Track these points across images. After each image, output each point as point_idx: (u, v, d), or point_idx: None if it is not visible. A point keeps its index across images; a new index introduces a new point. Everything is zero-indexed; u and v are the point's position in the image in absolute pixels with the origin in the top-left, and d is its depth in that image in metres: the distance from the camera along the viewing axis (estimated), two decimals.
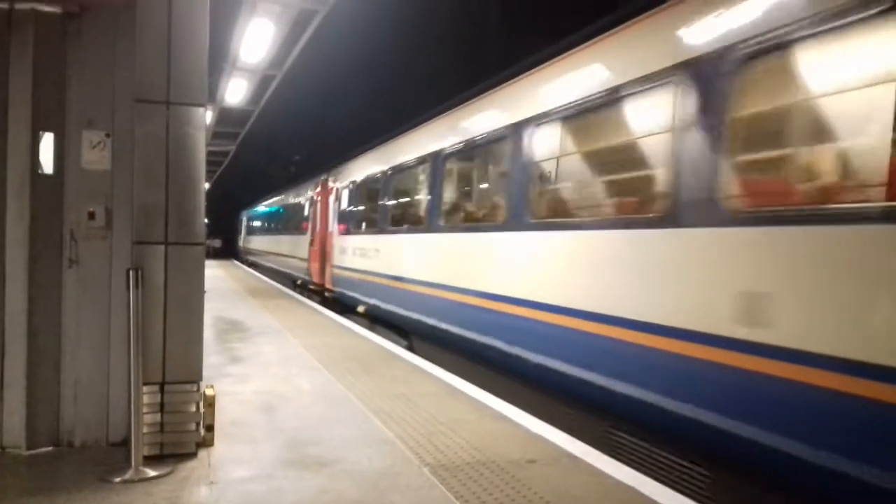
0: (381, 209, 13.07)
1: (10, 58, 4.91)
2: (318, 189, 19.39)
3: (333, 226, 17.08)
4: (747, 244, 4.47)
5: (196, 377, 4.91)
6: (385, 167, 12.94)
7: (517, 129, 7.56)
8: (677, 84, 5.11)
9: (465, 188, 10.15)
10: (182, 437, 4.85)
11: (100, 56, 5.08)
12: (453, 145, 9.64)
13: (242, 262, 41.63)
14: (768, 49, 4.41)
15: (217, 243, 51.83)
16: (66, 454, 4.91)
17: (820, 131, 4.37)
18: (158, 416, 4.76)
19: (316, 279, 18.60)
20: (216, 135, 22.58)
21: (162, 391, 4.78)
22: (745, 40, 4.55)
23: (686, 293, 4.97)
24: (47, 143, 5.00)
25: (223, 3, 9.48)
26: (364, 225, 14.55)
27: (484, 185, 9.54)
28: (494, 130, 8.28)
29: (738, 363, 4.40)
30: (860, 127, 4.11)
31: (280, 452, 5.03)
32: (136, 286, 4.57)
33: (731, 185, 4.65)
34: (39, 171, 4.99)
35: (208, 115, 16.99)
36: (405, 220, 11.84)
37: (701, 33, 4.98)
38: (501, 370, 7.79)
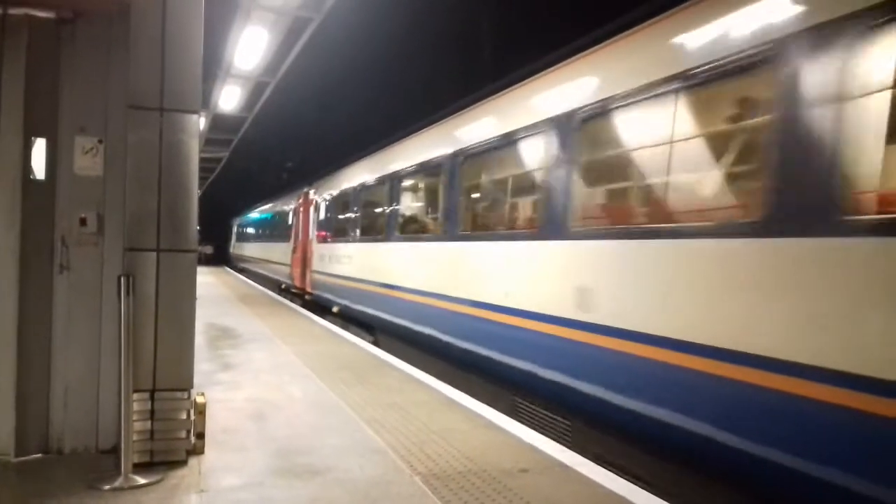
0: (352, 221, 14.78)
1: (3, 63, 4.91)
2: (301, 200, 20.94)
3: (313, 234, 18.74)
4: (580, 252, 6.19)
5: (187, 384, 4.89)
6: (355, 184, 14.66)
7: (444, 160, 9.52)
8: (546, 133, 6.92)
9: (414, 205, 11.79)
10: (172, 445, 4.82)
11: (93, 62, 5.07)
12: (404, 169, 11.54)
13: (233, 268, 41.99)
14: (594, 114, 6.17)
15: (209, 250, 51.75)
16: (55, 461, 4.88)
17: (616, 175, 6.28)
18: (148, 424, 4.74)
19: (298, 283, 20.20)
20: (209, 141, 22.58)
21: (152, 398, 4.76)
22: (580, 107, 6.36)
23: (544, 287, 6.73)
24: (39, 148, 4.99)
25: (218, 9, 9.48)
26: (339, 234, 16.09)
27: (423, 204, 11.36)
28: (430, 160, 10.23)
29: (575, 337, 6.12)
30: (636, 173, 5.91)
31: (271, 461, 5.01)
32: (128, 293, 4.56)
33: (573, 211, 6.39)
34: (31, 177, 4.98)
35: (201, 122, 17.03)
36: (371, 231, 13.43)
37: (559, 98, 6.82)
38: (439, 356, 9.39)
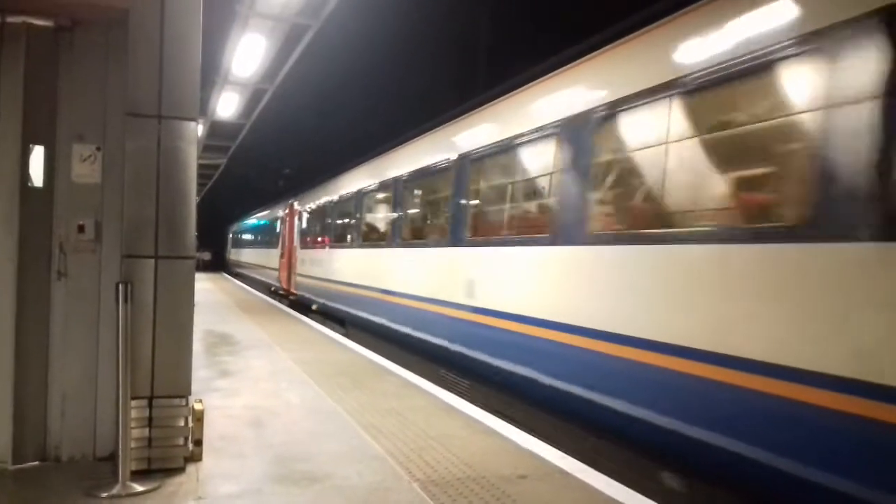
0: (327, 229, 17.71)
1: (2, 70, 4.91)
2: (287, 211, 23.53)
3: (297, 241, 21.34)
4: (470, 256, 8.72)
5: (185, 391, 4.88)
6: (330, 198, 17.31)
7: (389, 183, 11.89)
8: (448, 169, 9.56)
9: (374, 217, 13.80)
10: (170, 452, 4.81)
11: (91, 70, 5.08)
12: (368, 187, 13.89)
13: (231, 274, 42.50)
14: (482, 156, 8.66)
15: (207, 256, 51.71)
16: (52, 469, 4.87)
17: (489, 201, 8.68)
18: (146, 431, 4.73)
19: (284, 285, 22.81)
20: (207, 148, 22.58)
21: (150, 405, 4.75)
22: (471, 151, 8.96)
23: (447, 280, 9.22)
24: (37, 156, 5.00)
25: (216, 17, 9.49)
26: (317, 242, 18.83)
27: (382, 216, 13.27)
28: (386, 180, 12.62)
29: (464, 317, 8.60)
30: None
31: (269, 468, 5.00)
32: (125, 300, 4.55)
33: (467, 225, 8.87)
34: (29, 184, 4.98)
35: (199, 129, 17.03)
36: (342, 239, 16.05)
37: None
38: (396, 343, 11.40)
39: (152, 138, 4.82)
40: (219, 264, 50.69)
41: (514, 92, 8.21)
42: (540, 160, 7.27)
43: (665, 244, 5.23)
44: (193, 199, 5.00)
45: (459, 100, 10.38)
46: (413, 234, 11.40)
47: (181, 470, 4.80)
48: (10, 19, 4.91)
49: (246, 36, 10.88)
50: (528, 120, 7.51)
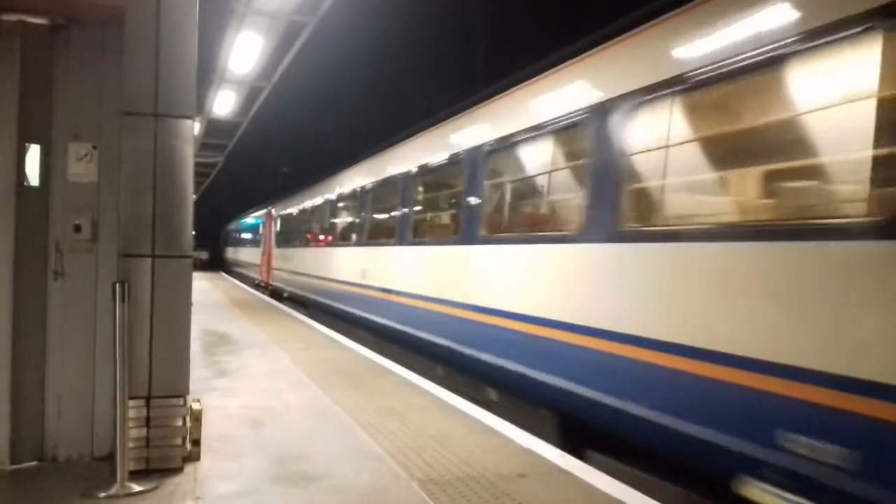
0: (292, 232, 22.71)
1: None
2: (266, 216, 28.53)
3: (273, 242, 26.20)
4: (365, 253, 13.44)
5: (182, 391, 4.86)
6: (293, 208, 22.46)
7: (363, 190, 14.00)
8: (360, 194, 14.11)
9: (329, 224, 17.55)
10: (168, 452, 4.79)
11: (87, 68, 5.05)
12: (315, 203, 18.91)
13: (227, 272, 43.62)
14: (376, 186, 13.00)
15: (204, 255, 51.65)
16: (50, 469, 4.85)
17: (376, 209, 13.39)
18: (144, 431, 4.71)
19: (263, 278, 27.95)
20: (204, 146, 22.56)
21: (148, 405, 4.73)
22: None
23: (355, 269, 13.41)
24: (33, 155, 4.97)
25: (212, 14, 9.47)
26: (287, 242, 23.45)
27: (323, 224, 18.16)
28: (322, 201, 17.90)
29: (362, 293, 12.84)
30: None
31: (267, 468, 4.98)
32: (123, 299, 4.53)
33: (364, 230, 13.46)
34: (25, 184, 4.96)
35: (196, 127, 17.03)
36: (302, 241, 20.63)
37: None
38: (343, 320, 14.63)
39: (149, 137, 4.79)
40: (217, 263, 50.67)
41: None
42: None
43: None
44: (190, 197, 4.97)
45: (452, 100, 10.32)
46: (340, 237, 16.25)
47: (179, 470, 4.78)
48: (6, 17, 4.88)
49: (242, 33, 10.87)
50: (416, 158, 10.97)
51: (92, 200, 5.05)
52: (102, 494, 4.31)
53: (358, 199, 14.11)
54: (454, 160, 9.13)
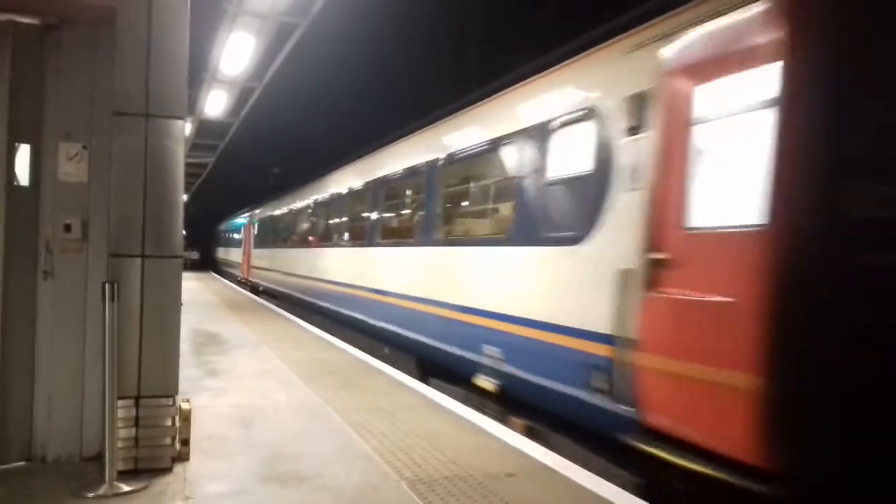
0: (265, 236, 27.30)
1: None
2: (248, 220, 33.00)
3: (252, 243, 30.52)
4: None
5: (172, 391, 4.87)
6: (267, 214, 27.04)
7: (315, 203, 17.99)
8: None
9: (283, 230, 23.00)
10: (157, 452, 4.79)
11: (79, 68, 5.05)
12: (280, 212, 23.61)
13: (218, 272, 44.46)
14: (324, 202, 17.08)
15: (195, 255, 51.57)
16: (38, 469, 4.85)
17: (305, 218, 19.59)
18: (133, 431, 4.71)
19: (244, 275, 32.06)
20: (195, 146, 22.52)
21: (137, 405, 4.73)
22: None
23: (304, 265, 18.28)
24: (23, 154, 4.97)
25: (204, 15, 9.47)
26: (260, 244, 28.24)
27: (285, 229, 22.78)
28: (284, 211, 22.68)
29: (308, 284, 17.60)
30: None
31: (256, 467, 4.99)
32: (112, 299, 4.53)
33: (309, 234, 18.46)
34: (15, 183, 4.95)
35: (187, 127, 17.06)
36: (274, 242, 24.76)
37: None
38: (299, 306, 18.42)
39: (139, 137, 4.80)
40: (207, 263, 50.56)
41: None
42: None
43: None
44: (181, 198, 4.98)
45: (440, 103, 10.36)
46: (297, 239, 20.36)
47: (168, 470, 4.79)
48: None
49: (234, 34, 10.86)
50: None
51: (82, 200, 5.05)
52: (91, 494, 4.31)
53: (302, 214, 19.80)
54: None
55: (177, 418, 4.90)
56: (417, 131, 10.90)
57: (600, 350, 5.47)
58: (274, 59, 12.23)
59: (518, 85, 7.71)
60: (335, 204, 15.52)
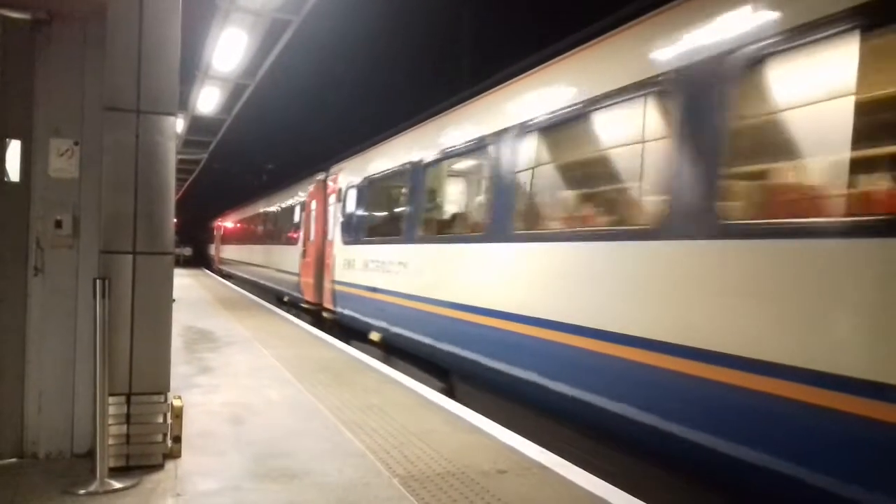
0: (231, 236, 34.70)
1: None
2: (218, 222, 42.28)
3: (219, 240, 39.93)
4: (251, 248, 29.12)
5: (163, 388, 4.86)
6: (230, 220, 35.57)
7: (261, 216, 25.72)
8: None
9: (239, 230, 31.97)
10: (148, 449, 4.79)
11: (69, 63, 5.02)
12: (236, 219, 34.67)
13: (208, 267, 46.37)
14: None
15: (187, 252, 51.62)
16: (29, 466, 4.83)
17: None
18: (125, 428, 4.70)
19: (217, 264, 40.04)
20: (187, 143, 22.42)
21: (128, 402, 4.72)
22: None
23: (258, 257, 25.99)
24: (14, 150, 4.94)
25: (196, 11, 9.42)
26: (228, 241, 36.11)
27: (241, 231, 32.18)
28: (244, 217, 31.82)
29: (253, 269, 26.85)
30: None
31: (248, 465, 4.99)
32: (103, 296, 4.52)
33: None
34: (5, 179, 4.92)
35: (179, 124, 17.02)
36: (237, 241, 32.12)
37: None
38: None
39: (130, 133, 4.77)
40: (200, 260, 50.55)
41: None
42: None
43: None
44: (172, 194, 4.96)
45: (442, 96, 10.32)
46: (256, 239, 25.78)
47: (160, 467, 4.78)
48: None
49: (227, 30, 10.80)
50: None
51: (73, 196, 5.02)
52: (82, 491, 4.30)
53: (250, 222, 26.82)
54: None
55: (168, 415, 4.89)
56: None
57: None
58: (267, 55, 12.17)
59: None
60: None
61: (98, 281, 4.54)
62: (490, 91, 8.16)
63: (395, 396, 7.40)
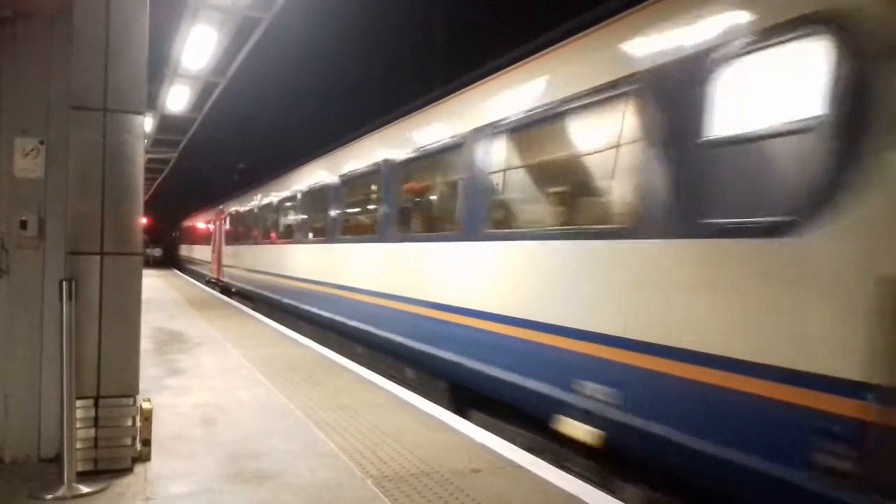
0: (183, 238, 45.59)
1: None
2: (179, 227, 48.16)
3: (181, 242, 46.75)
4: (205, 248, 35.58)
5: (132, 391, 4.79)
6: (188, 224, 42.22)
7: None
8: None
9: (192, 235, 39.67)
10: (117, 453, 4.72)
11: (34, 62, 4.94)
12: (189, 225, 42.83)
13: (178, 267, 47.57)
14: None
15: (157, 252, 51.39)
16: None
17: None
18: (93, 431, 4.63)
19: (182, 262, 44.86)
20: (157, 142, 22.19)
21: (96, 405, 4.65)
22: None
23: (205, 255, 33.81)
24: None
25: (164, 8, 9.32)
26: (183, 241, 45.25)
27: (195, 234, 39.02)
28: (197, 225, 38.31)
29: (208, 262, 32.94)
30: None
31: (220, 467, 4.94)
32: (70, 297, 4.45)
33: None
34: None
35: (148, 123, 16.81)
36: (189, 241, 41.44)
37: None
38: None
39: (97, 132, 4.70)
40: (170, 261, 50.25)
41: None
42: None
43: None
44: (140, 194, 4.90)
45: (420, 94, 10.31)
46: (198, 241, 35.18)
47: (129, 470, 4.72)
48: None
49: (196, 28, 10.70)
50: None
51: (39, 196, 4.94)
52: (50, 496, 4.24)
53: (193, 230, 34.75)
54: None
55: (137, 418, 4.83)
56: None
57: None
58: (237, 53, 12.08)
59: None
60: None
61: (64, 282, 4.47)
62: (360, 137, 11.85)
63: (366, 396, 7.39)
